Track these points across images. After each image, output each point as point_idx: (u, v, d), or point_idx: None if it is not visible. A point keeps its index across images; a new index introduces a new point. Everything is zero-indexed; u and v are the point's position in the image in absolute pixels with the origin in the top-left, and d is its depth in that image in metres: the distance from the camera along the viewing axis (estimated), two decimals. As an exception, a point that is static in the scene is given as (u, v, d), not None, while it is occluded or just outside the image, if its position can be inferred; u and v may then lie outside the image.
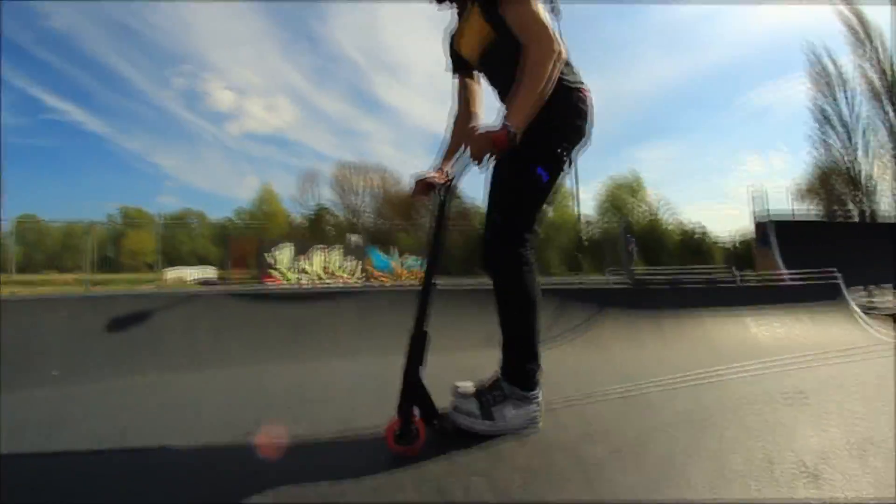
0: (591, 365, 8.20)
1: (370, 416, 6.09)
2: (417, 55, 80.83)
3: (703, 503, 1.93)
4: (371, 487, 2.65)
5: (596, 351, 9.24)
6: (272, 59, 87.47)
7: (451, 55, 2.86)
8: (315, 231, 41.10)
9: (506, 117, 2.16)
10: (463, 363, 8.52)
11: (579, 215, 20.87)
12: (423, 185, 2.74)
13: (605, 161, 79.37)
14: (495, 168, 2.49)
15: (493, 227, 2.51)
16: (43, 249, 15.88)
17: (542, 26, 2.23)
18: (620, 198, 57.20)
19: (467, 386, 2.53)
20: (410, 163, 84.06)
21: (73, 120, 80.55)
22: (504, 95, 2.59)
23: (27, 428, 6.27)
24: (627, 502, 2.01)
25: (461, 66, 2.87)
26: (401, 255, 29.94)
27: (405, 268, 29.44)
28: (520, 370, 2.47)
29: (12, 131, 71.29)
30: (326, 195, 64.22)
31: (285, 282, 23.19)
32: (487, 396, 2.47)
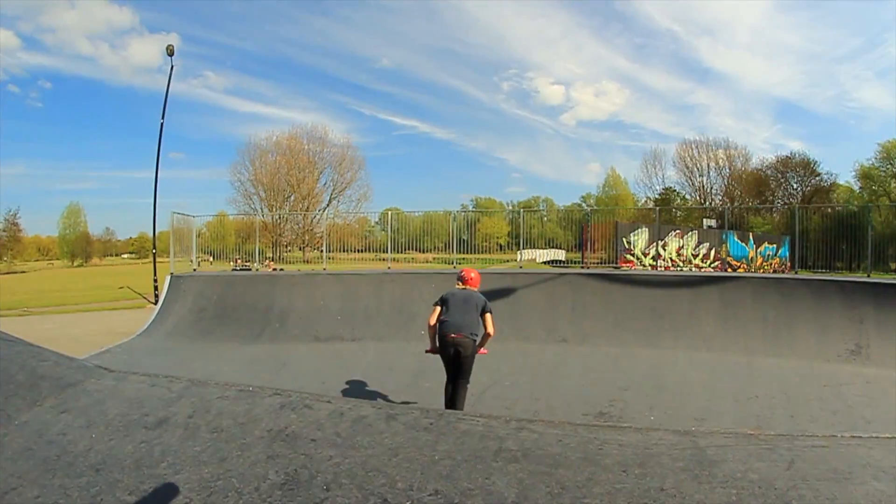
0: None
1: (725, 415, 7.21)
2: (735, 9, 71.17)
3: None
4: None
5: None
6: (590, 48, 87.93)
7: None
8: (664, 213, 41.11)
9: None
10: (824, 372, 9.09)
11: None
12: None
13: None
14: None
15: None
16: (405, 234, 19.53)
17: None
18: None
19: None
20: (756, 133, 75.48)
21: (421, 132, 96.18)
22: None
23: (398, 370, 9.28)
24: None
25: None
26: (756, 242, 28.09)
27: (761, 255, 27.83)
28: None
29: (370, 147, 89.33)
30: (672, 176, 62.94)
31: (640, 267, 23.06)
32: None
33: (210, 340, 11.48)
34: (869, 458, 3.69)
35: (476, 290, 6.60)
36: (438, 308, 6.32)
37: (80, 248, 77.53)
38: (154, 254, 21.71)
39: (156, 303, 14.50)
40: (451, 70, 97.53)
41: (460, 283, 6.57)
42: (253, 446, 3.05)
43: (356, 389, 8.27)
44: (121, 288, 27.14)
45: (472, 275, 6.66)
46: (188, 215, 16.14)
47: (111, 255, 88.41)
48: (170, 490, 2.69)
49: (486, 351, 6.42)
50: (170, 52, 21.54)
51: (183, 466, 2.92)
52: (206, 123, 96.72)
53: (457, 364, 6.13)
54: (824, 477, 3.20)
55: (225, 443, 3.13)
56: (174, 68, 21.38)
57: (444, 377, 6.42)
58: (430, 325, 6.32)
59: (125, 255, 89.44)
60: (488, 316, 6.24)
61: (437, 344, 6.22)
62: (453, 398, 6.17)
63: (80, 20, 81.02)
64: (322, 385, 8.19)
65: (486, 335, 6.25)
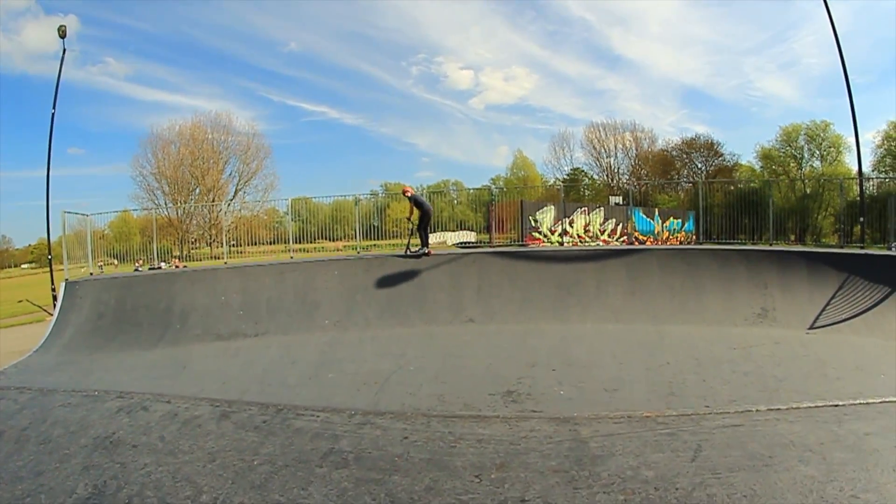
0: (878, 360, 7.94)
1: (636, 384, 7.05)
2: (647, 2, 74.82)
3: None
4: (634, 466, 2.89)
5: (883, 342, 8.86)
6: (502, 34, 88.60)
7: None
8: (572, 193, 41.87)
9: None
10: (733, 336, 9.35)
11: (861, 170, 18.53)
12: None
13: (879, 99, 64.45)
14: None
15: None
16: (314, 223, 19.16)
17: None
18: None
19: None
20: (662, 118, 79.34)
21: (330, 118, 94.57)
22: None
23: (301, 363, 9.14)
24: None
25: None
26: (662, 217, 28.93)
27: (668, 230, 28.70)
28: None
29: (278, 134, 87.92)
30: (580, 158, 64.74)
31: (548, 244, 23.47)
32: None
33: (110, 349, 10.79)
34: (791, 436, 3.46)
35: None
36: None
37: (-29, 261, 71.29)
38: (50, 260, 20.23)
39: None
40: (363, 55, 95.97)
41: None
42: (74, 456, 2.80)
43: (254, 388, 7.88)
44: (20, 302, 25.33)
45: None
46: (82, 214, 15.15)
47: (9, 267, 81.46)
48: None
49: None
50: (62, 33, 19.93)
51: (0, 484, 2.75)
52: (107, 114, 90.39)
53: None
54: (739, 466, 2.88)
55: (48, 454, 2.87)
56: (69, 51, 19.92)
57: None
58: None
59: (25, 266, 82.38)
60: None
61: None
62: None
63: (-34, 2, 73.63)
64: (222, 385, 7.83)
65: None
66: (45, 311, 20.24)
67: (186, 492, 2.61)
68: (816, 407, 4.39)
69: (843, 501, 2.84)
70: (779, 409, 4.17)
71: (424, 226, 13.06)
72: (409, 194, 13.42)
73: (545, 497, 2.59)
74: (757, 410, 4.06)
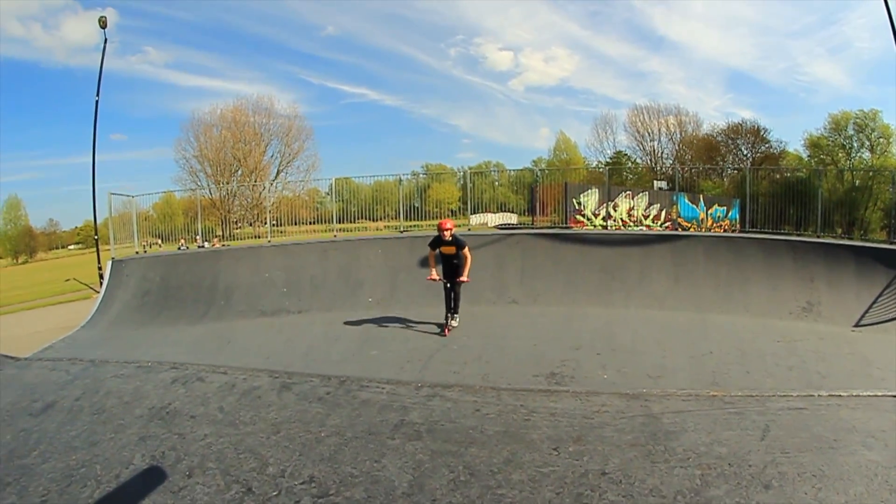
0: None
1: (680, 371, 6.88)
2: None
3: None
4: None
5: None
6: (542, 14, 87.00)
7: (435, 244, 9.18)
8: (615, 177, 41.07)
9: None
10: (777, 329, 9.15)
11: None
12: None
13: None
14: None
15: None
16: (356, 203, 19.20)
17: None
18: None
19: None
20: (707, 101, 77.10)
21: (371, 100, 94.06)
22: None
23: (344, 340, 9.16)
24: None
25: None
26: (707, 204, 28.24)
27: (711, 217, 27.94)
28: None
29: (319, 116, 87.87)
30: (623, 141, 63.43)
31: (591, 227, 22.80)
32: None
33: (156, 324, 11.00)
34: (854, 421, 3.37)
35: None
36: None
37: (23, 243, 73.22)
38: (96, 240, 20.66)
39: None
40: (401, 36, 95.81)
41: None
42: (129, 427, 2.74)
43: (299, 362, 7.91)
44: (67, 280, 26.05)
45: (448, 225, 9.42)
46: (128, 196, 15.37)
47: (57, 248, 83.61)
48: (30, 482, 2.41)
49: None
50: (102, 24, 20.32)
51: (53, 454, 2.62)
52: (148, 101, 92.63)
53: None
54: (806, 447, 2.82)
55: (102, 425, 2.81)
56: (109, 42, 20.23)
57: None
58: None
59: (72, 246, 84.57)
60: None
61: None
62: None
63: (9, 1, 75.69)
64: (266, 360, 7.88)
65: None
66: (91, 289, 20.73)
67: (251, 463, 2.53)
68: (876, 396, 4.20)
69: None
70: (840, 395, 4.00)
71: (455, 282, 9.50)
72: (449, 231, 9.40)
73: (625, 470, 2.55)
74: (819, 395, 3.89)
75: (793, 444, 2.94)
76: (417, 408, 2.96)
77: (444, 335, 9.13)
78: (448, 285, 9.45)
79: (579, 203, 23.98)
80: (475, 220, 18.82)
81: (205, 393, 3.13)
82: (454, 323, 9.50)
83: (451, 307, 9.51)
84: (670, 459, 2.60)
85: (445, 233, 9.22)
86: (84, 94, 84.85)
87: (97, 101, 19.72)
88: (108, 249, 14.75)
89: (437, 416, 2.87)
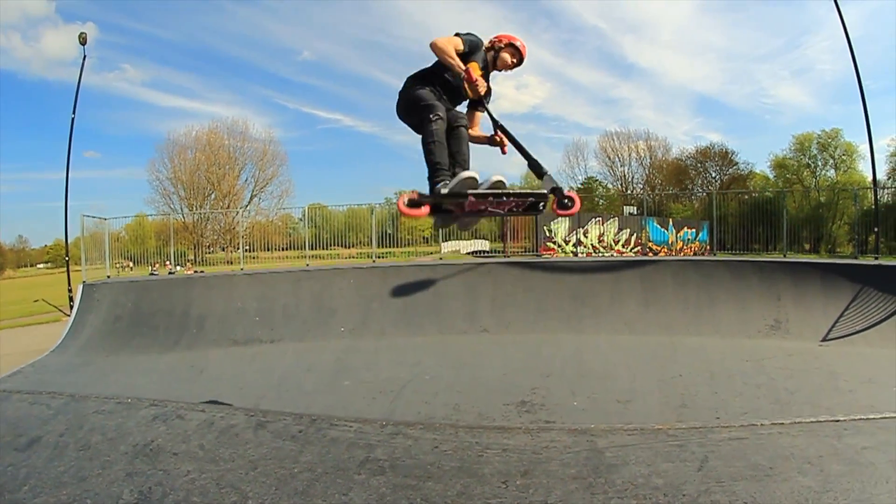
0: (889, 373, 7.86)
1: (650, 395, 7.18)
2: (659, 10, 74.52)
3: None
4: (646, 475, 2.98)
5: None
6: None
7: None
8: (587, 203, 41.72)
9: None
10: (746, 348, 9.38)
11: (875, 180, 18.41)
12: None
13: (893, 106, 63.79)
14: None
15: None
16: (329, 230, 19.30)
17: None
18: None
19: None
20: (676, 126, 79.17)
21: (346, 125, 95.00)
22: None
23: (317, 370, 9.26)
24: None
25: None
26: (676, 227, 28.83)
27: (682, 240, 28.45)
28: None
29: (294, 141, 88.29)
30: (594, 167, 64.48)
31: (562, 254, 23.20)
32: None
33: (127, 351, 10.93)
34: (793, 449, 3.61)
35: None
36: None
37: (-9, 259, 72.10)
38: (67, 262, 20.52)
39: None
40: (377, 63, 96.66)
41: None
42: (115, 463, 2.91)
43: (272, 393, 8.01)
44: (36, 301, 25.59)
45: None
46: (101, 218, 15.36)
47: (26, 266, 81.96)
48: (24, 516, 2.59)
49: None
50: (82, 40, 20.25)
51: (44, 489, 2.77)
52: (124, 119, 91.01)
53: None
54: (741, 476, 3.04)
55: (89, 461, 2.98)
56: (88, 59, 20.20)
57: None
58: None
59: (41, 265, 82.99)
60: None
61: None
62: None
63: (-10, 9, 74.47)
64: (239, 391, 7.96)
65: None
66: (61, 311, 20.46)
67: (233, 497, 2.71)
68: (818, 422, 4.49)
69: (836, 511, 3.06)
70: (782, 423, 4.27)
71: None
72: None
73: (566, 500, 2.76)
74: (762, 424, 4.17)
75: (729, 474, 3.14)
76: (382, 445, 3.19)
77: None
78: None
79: (550, 230, 24.26)
80: (447, 247, 19.01)
81: (185, 430, 3.31)
82: None
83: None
84: (609, 491, 2.81)
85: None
86: (59, 108, 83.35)
87: (73, 119, 19.57)
88: (79, 271, 14.68)
89: (400, 453, 3.10)
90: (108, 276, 14.29)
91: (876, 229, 16.22)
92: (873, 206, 18.16)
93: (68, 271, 19.94)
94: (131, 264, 19.45)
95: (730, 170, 56.78)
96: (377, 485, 2.87)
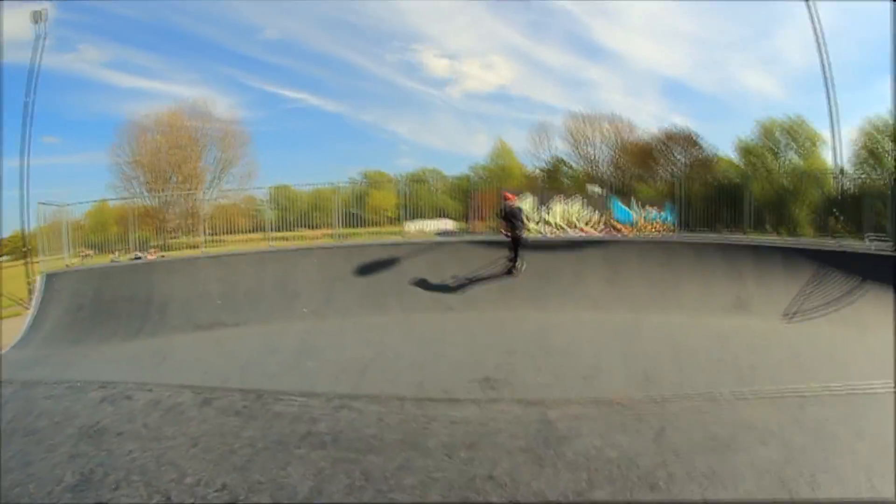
0: (848, 349, 8.16)
1: (614, 371, 7.19)
2: None
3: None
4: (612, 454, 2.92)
5: (855, 332, 9.04)
6: (485, 23, 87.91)
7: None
8: (552, 182, 41.73)
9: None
10: (710, 325, 9.52)
11: (840, 168, 18.75)
12: None
13: (857, 98, 65.18)
14: None
15: None
16: (294, 211, 19.04)
17: None
18: (882, 146, 48.16)
19: None
20: (643, 108, 79.54)
21: (310, 105, 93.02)
22: None
23: (281, 352, 9.11)
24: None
25: None
26: (641, 206, 29.62)
27: (647, 220, 29.42)
28: None
29: (258, 121, 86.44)
30: (560, 147, 64.76)
31: (527, 233, 23.72)
32: None
33: (90, 341, 10.70)
34: (754, 420, 3.58)
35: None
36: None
37: (-55, 256, 69.33)
38: (25, 252, 19.91)
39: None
40: (344, 41, 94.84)
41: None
42: (60, 446, 2.89)
43: (236, 377, 7.90)
44: (-7, 296, 24.75)
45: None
46: (58, 205, 14.96)
47: (-19, 261, 79.28)
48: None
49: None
50: (37, 18, 19.52)
51: (-11, 476, 2.81)
52: (84, 102, 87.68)
53: None
54: (700, 447, 2.97)
55: (35, 445, 2.92)
56: (45, 38, 19.36)
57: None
58: None
59: (0, 259, 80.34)
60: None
61: None
62: None
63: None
64: (203, 374, 7.82)
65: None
66: (20, 304, 19.90)
67: (171, 475, 2.72)
68: (781, 395, 4.51)
69: (800, 482, 2.97)
70: (744, 394, 4.28)
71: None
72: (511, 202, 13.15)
73: (511, 474, 2.72)
74: (721, 395, 4.16)
75: (687, 445, 3.11)
76: (325, 419, 3.20)
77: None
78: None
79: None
80: (412, 226, 18.94)
81: (131, 410, 3.31)
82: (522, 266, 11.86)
83: (516, 255, 11.84)
84: (558, 463, 2.78)
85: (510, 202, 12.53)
86: (15, 92, 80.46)
87: (27, 103, 18.83)
88: (38, 262, 14.32)
89: (343, 427, 3.11)
90: (68, 266, 13.97)
91: (836, 212, 16.55)
92: (834, 192, 18.47)
93: (27, 263, 19.36)
94: (91, 252, 18.94)
95: (694, 152, 57.46)
96: (317, 459, 2.90)
